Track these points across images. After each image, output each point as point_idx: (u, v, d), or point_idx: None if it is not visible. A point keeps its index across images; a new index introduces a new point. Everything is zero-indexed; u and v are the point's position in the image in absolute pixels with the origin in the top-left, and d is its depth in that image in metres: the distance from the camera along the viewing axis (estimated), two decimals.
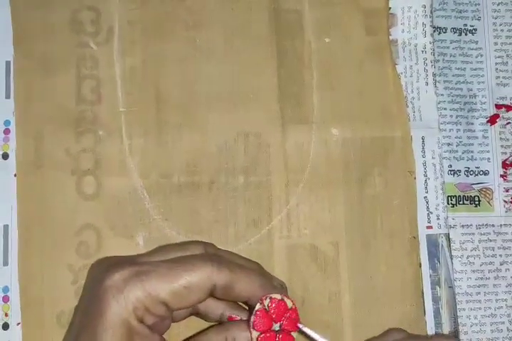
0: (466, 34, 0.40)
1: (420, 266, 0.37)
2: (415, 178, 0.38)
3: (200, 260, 0.28)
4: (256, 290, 0.29)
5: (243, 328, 0.29)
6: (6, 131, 0.36)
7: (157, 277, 0.27)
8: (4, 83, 0.36)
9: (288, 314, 0.29)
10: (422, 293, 0.37)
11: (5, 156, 0.36)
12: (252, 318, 0.28)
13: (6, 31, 0.37)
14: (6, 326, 0.34)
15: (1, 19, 0.37)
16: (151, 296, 0.27)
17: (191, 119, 0.37)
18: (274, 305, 0.28)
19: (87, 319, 0.28)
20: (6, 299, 0.35)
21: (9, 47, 0.36)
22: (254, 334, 0.28)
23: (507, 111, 0.40)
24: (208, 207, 0.36)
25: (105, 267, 0.28)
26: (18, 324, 0.34)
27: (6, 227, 0.35)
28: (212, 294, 0.28)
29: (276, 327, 0.28)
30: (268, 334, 0.28)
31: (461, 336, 0.37)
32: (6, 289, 0.35)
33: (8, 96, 0.36)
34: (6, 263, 0.35)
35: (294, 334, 0.29)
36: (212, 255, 0.30)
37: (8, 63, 0.36)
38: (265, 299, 0.28)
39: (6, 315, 0.34)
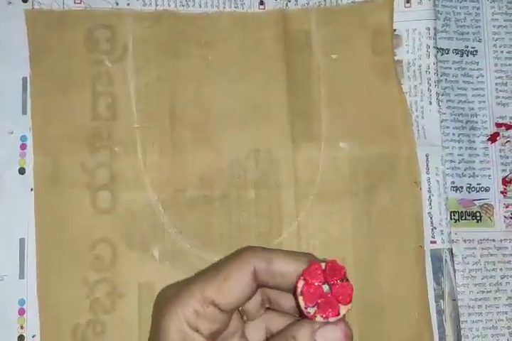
0: (467, 55, 0.42)
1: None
2: (421, 189, 0.39)
3: (235, 254, 0.28)
4: (297, 265, 0.27)
5: (302, 325, 0.27)
6: (23, 146, 0.36)
7: (201, 279, 0.27)
8: (21, 99, 0.37)
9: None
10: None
11: (21, 171, 0.36)
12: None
13: (22, 48, 0.37)
14: (21, 338, 0.35)
15: (16, 36, 0.37)
16: (197, 298, 0.27)
17: (204, 135, 0.38)
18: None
19: None
20: (22, 312, 0.35)
21: (25, 63, 0.37)
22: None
23: (507, 129, 0.41)
24: (220, 220, 0.37)
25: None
26: (34, 336, 0.35)
27: (22, 241, 0.36)
28: (256, 280, 0.27)
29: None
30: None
31: None
32: (22, 302, 0.35)
33: (24, 112, 0.37)
34: (22, 276, 0.35)
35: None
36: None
37: (24, 79, 0.37)
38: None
39: (22, 327, 0.35)
